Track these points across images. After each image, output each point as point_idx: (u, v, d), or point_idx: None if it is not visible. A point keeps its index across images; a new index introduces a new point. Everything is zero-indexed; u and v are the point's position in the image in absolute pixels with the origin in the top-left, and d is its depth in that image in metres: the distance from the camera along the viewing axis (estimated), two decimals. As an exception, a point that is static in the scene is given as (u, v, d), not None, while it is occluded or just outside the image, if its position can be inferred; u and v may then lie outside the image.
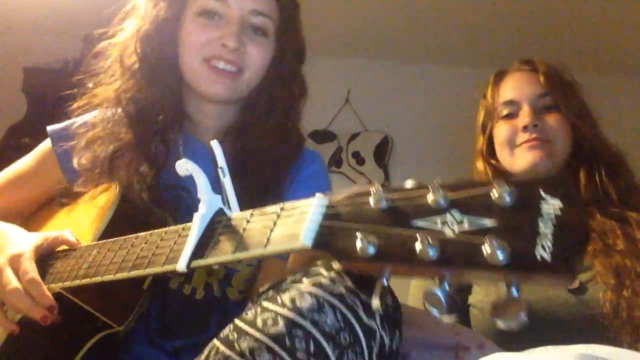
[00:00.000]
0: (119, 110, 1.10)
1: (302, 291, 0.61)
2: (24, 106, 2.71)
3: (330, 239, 0.53)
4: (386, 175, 3.09)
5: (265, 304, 0.63)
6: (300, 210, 0.58)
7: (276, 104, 1.13)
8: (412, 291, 1.32)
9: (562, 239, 0.40)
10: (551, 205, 0.42)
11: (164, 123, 1.09)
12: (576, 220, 0.41)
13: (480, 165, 1.36)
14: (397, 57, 3.18)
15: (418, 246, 0.45)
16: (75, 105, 1.13)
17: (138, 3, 1.12)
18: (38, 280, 0.84)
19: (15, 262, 0.87)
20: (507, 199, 0.44)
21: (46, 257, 0.92)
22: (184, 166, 0.72)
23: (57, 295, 0.85)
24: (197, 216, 0.68)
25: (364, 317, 0.61)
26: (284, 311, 0.60)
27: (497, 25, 2.80)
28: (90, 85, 1.12)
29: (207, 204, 0.69)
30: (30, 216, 1.19)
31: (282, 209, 0.61)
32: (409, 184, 0.52)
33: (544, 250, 0.40)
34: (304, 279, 0.63)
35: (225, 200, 0.73)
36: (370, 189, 0.52)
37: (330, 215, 0.55)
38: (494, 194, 0.45)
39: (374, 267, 0.48)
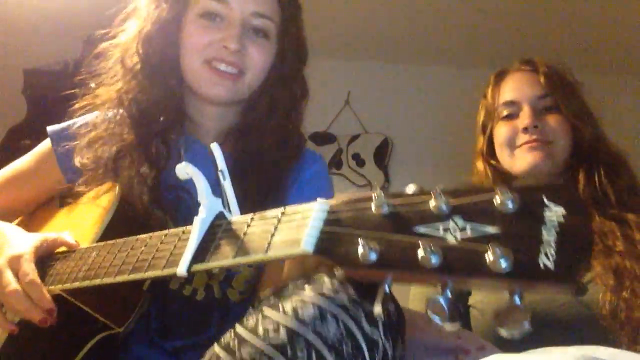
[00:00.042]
0: (121, 111, 1.09)
1: (304, 300, 0.61)
2: (24, 108, 2.71)
3: (331, 245, 0.52)
4: (386, 177, 3.09)
5: (267, 311, 0.63)
6: (301, 215, 0.57)
7: (277, 105, 1.12)
8: (412, 294, 1.32)
9: (566, 247, 0.40)
10: (554, 213, 0.42)
11: (165, 124, 1.09)
12: (580, 228, 0.41)
13: (480, 165, 1.36)
14: (397, 58, 3.18)
15: (420, 253, 0.44)
16: (77, 105, 1.12)
17: (140, 4, 1.12)
18: (38, 282, 0.84)
19: (15, 263, 0.86)
20: (510, 205, 0.44)
21: (45, 259, 0.92)
22: (184, 170, 0.71)
23: (57, 297, 0.85)
24: (197, 220, 0.68)
25: (366, 327, 0.61)
26: (286, 320, 0.60)
27: (497, 27, 2.80)
28: (93, 85, 1.12)
29: (207, 207, 0.69)
30: (30, 216, 1.19)
31: (282, 213, 0.61)
32: (411, 188, 0.52)
33: (547, 259, 0.39)
34: (307, 287, 0.62)
35: (226, 204, 0.73)
36: (372, 194, 0.52)
37: (332, 220, 0.54)
38: (497, 200, 0.45)
39: (375, 273, 0.48)
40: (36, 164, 1.17)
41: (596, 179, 1.21)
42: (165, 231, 0.76)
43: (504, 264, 0.40)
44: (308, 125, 1.22)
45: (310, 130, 2.71)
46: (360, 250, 0.48)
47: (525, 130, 1.25)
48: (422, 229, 0.47)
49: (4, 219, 1.06)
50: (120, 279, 0.75)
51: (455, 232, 0.45)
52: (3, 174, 1.19)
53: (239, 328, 0.64)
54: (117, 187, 1.00)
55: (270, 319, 0.61)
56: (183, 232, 0.72)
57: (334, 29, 2.85)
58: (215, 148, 0.75)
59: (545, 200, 0.43)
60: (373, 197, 0.51)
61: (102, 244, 0.86)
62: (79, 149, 1.09)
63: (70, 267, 0.86)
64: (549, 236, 0.41)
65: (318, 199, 0.57)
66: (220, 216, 0.70)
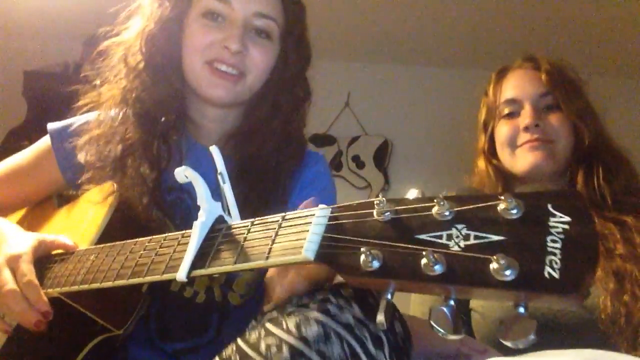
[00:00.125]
0: (125, 109, 1.08)
1: (308, 317, 0.59)
2: (23, 110, 2.71)
3: (333, 252, 0.51)
4: (386, 178, 3.09)
5: (270, 326, 0.62)
6: (302, 221, 0.56)
7: (279, 108, 1.11)
8: (413, 298, 1.31)
9: (571, 256, 0.39)
10: (559, 221, 0.41)
11: (167, 125, 1.08)
12: (586, 237, 0.40)
13: (482, 164, 1.34)
14: (397, 60, 3.17)
15: (423, 261, 0.44)
16: (80, 102, 1.11)
17: (144, 2, 1.11)
18: (36, 284, 0.83)
19: (13, 263, 0.86)
20: (515, 213, 0.43)
21: (43, 260, 0.91)
22: (183, 173, 0.71)
23: (56, 299, 0.84)
24: (196, 224, 0.67)
25: (371, 349, 0.59)
26: (289, 338, 0.58)
27: (497, 27, 2.79)
28: (98, 82, 1.11)
29: (207, 211, 0.68)
30: (28, 216, 1.19)
31: (283, 218, 0.60)
32: (412, 193, 0.51)
33: (552, 269, 0.39)
34: (311, 304, 0.61)
35: (225, 207, 0.72)
36: (374, 201, 0.51)
37: (333, 227, 0.53)
38: (501, 207, 0.44)
39: (377, 282, 0.47)
40: (35, 160, 1.16)
41: (595, 180, 1.20)
42: (164, 235, 0.75)
43: (508, 273, 0.40)
44: (308, 127, 1.21)
45: (310, 132, 2.70)
46: (362, 257, 0.47)
47: (527, 129, 1.23)
48: (425, 237, 0.46)
49: (0, 214, 1.06)
50: (119, 283, 0.74)
51: (458, 240, 0.44)
52: (0, 169, 1.18)
53: (240, 343, 0.62)
54: (116, 188, 1.00)
55: (272, 335, 0.60)
56: (182, 236, 0.71)
57: (334, 30, 2.84)
58: (214, 151, 0.74)
59: (550, 208, 0.42)
60: (375, 204, 0.51)
61: (100, 246, 0.85)
62: (81, 146, 1.08)
63: (69, 270, 0.85)
64: (554, 245, 0.40)
65: (319, 205, 0.57)
66: (219, 220, 0.69)
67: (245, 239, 0.61)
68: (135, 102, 1.07)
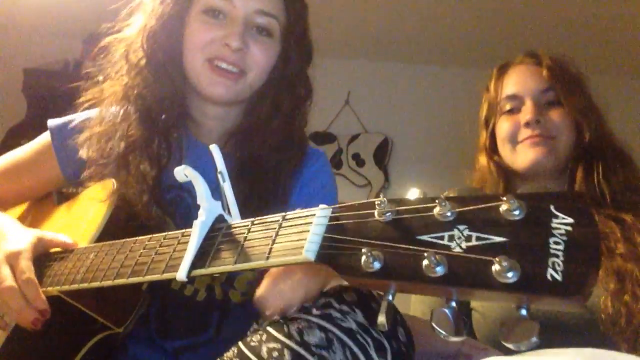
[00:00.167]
0: (127, 106, 1.08)
1: (311, 322, 0.59)
2: (23, 107, 2.71)
3: (333, 253, 0.51)
4: (386, 176, 3.09)
5: (271, 330, 0.61)
6: (302, 221, 0.56)
7: (280, 106, 1.11)
8: (414, 298, 1.31)
9: (574, 258, 0.39)
10: (562, 222, 0.41)
11: (167, 122, 1.07)
12: (588, 239, 0.39)
13: (483, 160, 1.34)
14: (397, 58, 3.17)
15: (425, 262, 0.43)
16: (82, 99, 1.11)
17: None
18: (35, 282, 0.83)
19: (12, 260, 0.85)
20: (517, 214, 0.43)
21: (42, 258, 0.91)
22: (183, 172, 0.70)
23: (55, 297, 0.84)
24: (196, 224, 0.67)
25: (374, 355, 0.58)
26: (291, 343, 0.58)
27: (497, 27, 2.79)
28: (101, 78, 1.11)
29: (206, 210, 0.68)
30: (27, 213, 1.18)
31: (284, 218, 0.59)
32: (414, 193, 0.50)
33: (554, 271, 0.38)
34: (314, 309, 0.60)
35: (225, 206, 0.72)
36: (375, 201, 0.51)
37: (334, 227, 0.53)
38: (503, 208, 0.44)
39: (378, 283, 0.47)
40: (34, 156, 1.16)
41: (595, 176, 1.18)
42: (164, 233, 0.75)
43: (510, 275, 0.39)
44: (308, 124, 1.21)
45: (310, 130, 2.70)
46: (363, 258, 0.47)
47: (527, 125, 1.22)
48: (426, 238, 0.46)
49: None
50: (119, 282, 0.74)
51: (460, 241, 0.44)
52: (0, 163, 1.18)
53: (242, 347, 0.62)
54: (116, 185, 0.99)
55: (274, 340, 0.59)
56: (182, 235, 0.71)
57: (335, 28, 2.84)
58: (214, 150, 0.74)
59: (553, 209, 0.42)
60: (376, 204, 0.50)
61: (100, 244, 0.85)
62: (82, 142, 1.07)
63: (68, 269, 0.85)
64: (556, 247, 0.40)
65: (320, 205, 0.56)
66: (220, 219, 0.69)
67: (245, 239, 0.61)
68: (137, 99, 1.06)
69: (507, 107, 1.28)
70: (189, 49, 1.07)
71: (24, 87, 2.73)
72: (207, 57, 1.04)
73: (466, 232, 0.44)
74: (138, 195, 0.99)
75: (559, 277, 0.38)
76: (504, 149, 1.28)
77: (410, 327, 0.71)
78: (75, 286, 0.81)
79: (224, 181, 0.73)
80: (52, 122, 1.16)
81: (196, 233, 0.66)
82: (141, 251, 0.75)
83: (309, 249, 0.52)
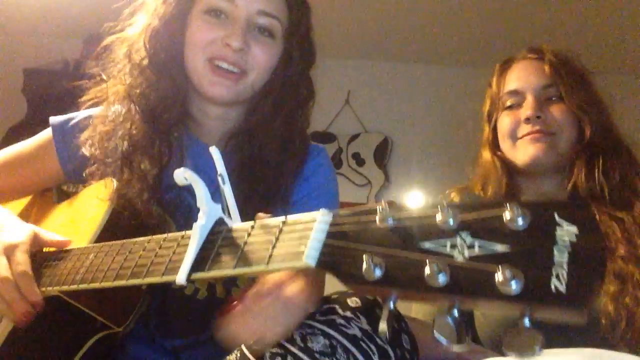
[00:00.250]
0: (129, 105, 1.08)
1: (314, 328, 0.58)
2: (23, 107, 2.71)
3: (334, 259, 0.50)
4: (386, 176, 3.08)
5: None
6: (303, 226, 0.55)
7: (282, 107, 1.10)
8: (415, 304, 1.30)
9: (578, 268, 0.38)
10: (566, 231, 0.40)
11: (169, 122, 1.07)
12: (593, 248, 0.39)
13: (487, 155, 1.33)
14: (397, 58, 3.17)
15: (427, 271, 0.43)
16: (84, 98, 1.11)
17: None
18: (30, 274, 0.83)
19: (9, 252, 0.86)
20: (520, 223, 0.42)
21: (42, 258, 0.91)
22: (183, 175, 0.70)
23: (55, 297, 0.84)
24: (196, 227, 0.66)
25: None
26: (294, 349, 0.57)
27: (497, 27, 2.79)
28: (105, 77, 1.11)
29: (206, 213, 0.67)
30: (26, 211, 1.18)
31: (284, 222, 0.59)
32: (415, 197, 0.50)
33: (558, 281, 0.38)
34: (317, 315, 0.60)
35: (225, 208, 0.71)
36: (377, 207, 0.50)
37: (335, 233, 0.52)
38: (506, 216, 0.43)
39: (379, 290, 0.46)
40: (35, 151, 1.16)
41: (595, 173, 1.17)
42: (164, 235, 0.74)
43: (514, 285, 0.39)
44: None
45: (310, 130, 2.70)
46: (364, 265, 0.46)
47: (528, 120, 1.21)
48: (428, 245, 0.45)
49: None
50: (118, 283, 0.74)
51: (462, 249, 0.43)
52: (0, 156, 1.18)
53: (244, 350, 0.62)
54: (116, 184, 0.99)
55: (277, 345, 0.59)
56: (182, 237, 0.70)
57: (335, 28, 2.84)
58: (214, 152, 0.73)
59: (557, 218, 0.41)
60: (378, 210, 0.50)
61: (99, 245, 0.84)
62: (84, 140, 1.07)
63: (68, 269, 0.85)
64: (560, 257, 0.39)
65: (321, 210, 0.56)
66: (219, 222, 0.68)
67: (245, 243, 0.60)
68: (139, 99, 1.06)
69: (509, 102, 1.28)
70: (190, 49, 1.06)
71: (24, 87, 2.73)
72: (208, 57, 1.04)
73: (469, 240, 0.44)
74: (138, 194, 0.99)
75: (562, 289, 0.38)
76: (504, 145, 1.28)
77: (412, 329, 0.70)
78: (74, 287, 0.80)
79: (224, 183, 0.72)
80: (54, 119, 1.16)
81: (196, 236, 0.65)
82: (141, 253, 0.74)
83: (309, 255, 0.52)
